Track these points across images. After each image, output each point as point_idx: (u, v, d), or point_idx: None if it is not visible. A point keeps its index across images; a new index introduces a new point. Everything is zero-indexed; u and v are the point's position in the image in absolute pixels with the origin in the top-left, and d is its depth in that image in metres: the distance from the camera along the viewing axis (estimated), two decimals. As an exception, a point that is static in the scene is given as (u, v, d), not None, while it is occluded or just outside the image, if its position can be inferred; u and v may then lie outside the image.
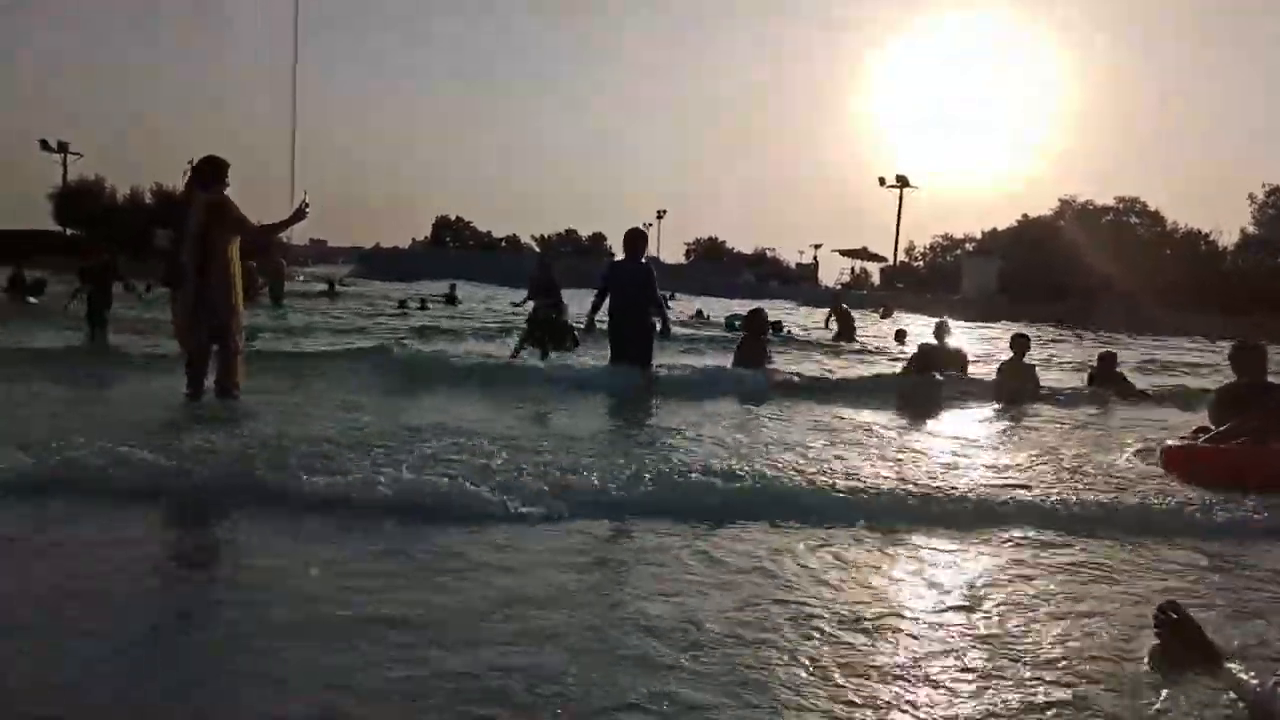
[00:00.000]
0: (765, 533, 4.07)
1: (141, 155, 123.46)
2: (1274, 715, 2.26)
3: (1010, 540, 4.13)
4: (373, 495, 4.15)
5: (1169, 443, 6.13)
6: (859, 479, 4.93)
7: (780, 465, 5.22)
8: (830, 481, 4.81)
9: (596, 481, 4.50)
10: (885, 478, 5.07)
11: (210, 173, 7.21)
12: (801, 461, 5.42)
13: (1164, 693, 2.53)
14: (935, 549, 3.96)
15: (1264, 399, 6.06)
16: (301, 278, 33.62)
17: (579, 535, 3.94)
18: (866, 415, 8.00)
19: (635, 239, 9.65)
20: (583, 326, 10.45)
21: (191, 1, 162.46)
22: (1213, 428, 6.10)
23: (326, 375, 9.16)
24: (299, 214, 7.61)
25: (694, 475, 4.67)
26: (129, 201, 52.98)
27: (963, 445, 6.68)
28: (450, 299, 26.67)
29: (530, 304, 12.37)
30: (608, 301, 9.47)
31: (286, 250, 32.79)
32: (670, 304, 23.68)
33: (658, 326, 9.46)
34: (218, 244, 7.10)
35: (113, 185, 54.71)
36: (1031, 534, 4.22)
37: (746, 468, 4.95)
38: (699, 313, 26.13)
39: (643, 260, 9.70)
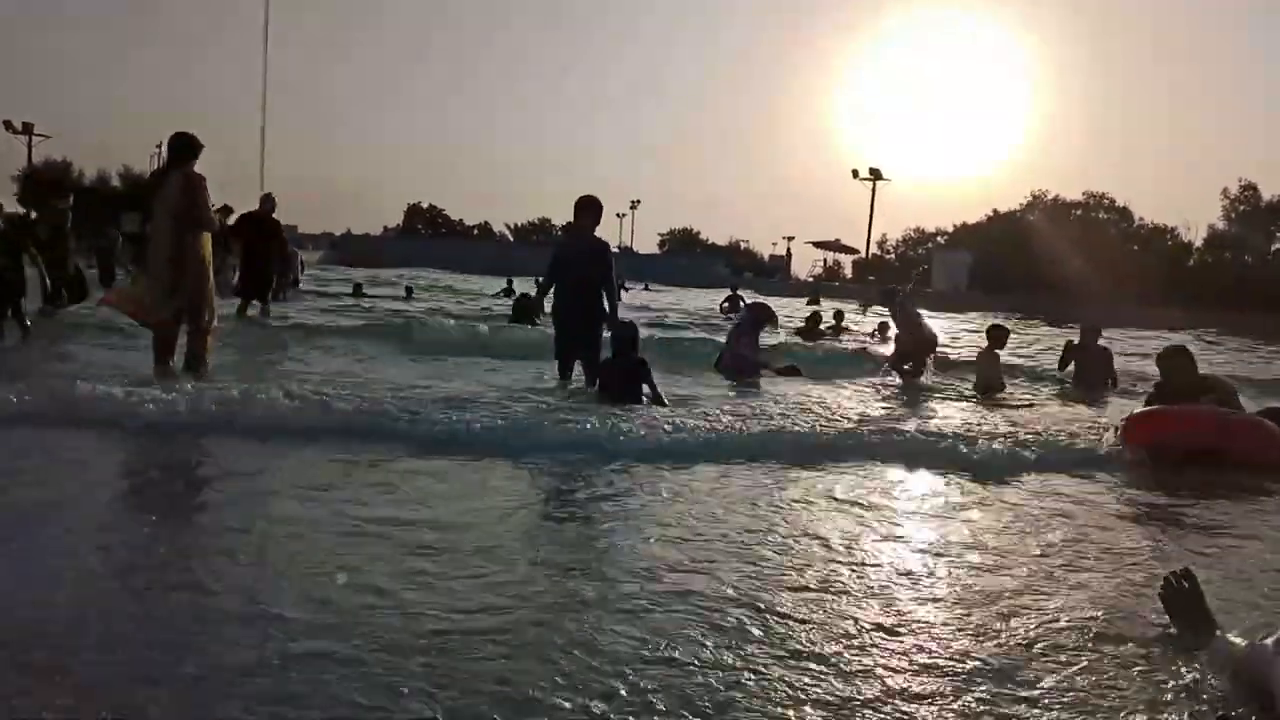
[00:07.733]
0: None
1: (108, 139, 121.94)
2: (1253, 672, 2.32)
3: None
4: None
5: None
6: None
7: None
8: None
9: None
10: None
11: (183, 148, 7.22)
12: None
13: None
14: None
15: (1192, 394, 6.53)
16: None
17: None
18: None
19: (584, 207, 7.69)
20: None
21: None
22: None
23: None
24: None
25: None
26: (96, 184, 52.29)
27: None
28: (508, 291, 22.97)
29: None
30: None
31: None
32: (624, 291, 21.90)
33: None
34: (191, 220, 7.12)
35: (80, 167, 54.05)
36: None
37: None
38: None
39: (596, 234, 7.78)
